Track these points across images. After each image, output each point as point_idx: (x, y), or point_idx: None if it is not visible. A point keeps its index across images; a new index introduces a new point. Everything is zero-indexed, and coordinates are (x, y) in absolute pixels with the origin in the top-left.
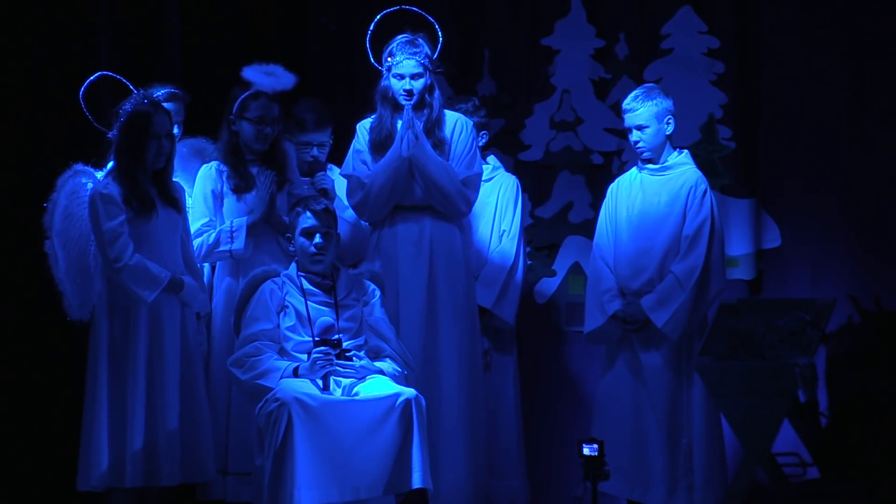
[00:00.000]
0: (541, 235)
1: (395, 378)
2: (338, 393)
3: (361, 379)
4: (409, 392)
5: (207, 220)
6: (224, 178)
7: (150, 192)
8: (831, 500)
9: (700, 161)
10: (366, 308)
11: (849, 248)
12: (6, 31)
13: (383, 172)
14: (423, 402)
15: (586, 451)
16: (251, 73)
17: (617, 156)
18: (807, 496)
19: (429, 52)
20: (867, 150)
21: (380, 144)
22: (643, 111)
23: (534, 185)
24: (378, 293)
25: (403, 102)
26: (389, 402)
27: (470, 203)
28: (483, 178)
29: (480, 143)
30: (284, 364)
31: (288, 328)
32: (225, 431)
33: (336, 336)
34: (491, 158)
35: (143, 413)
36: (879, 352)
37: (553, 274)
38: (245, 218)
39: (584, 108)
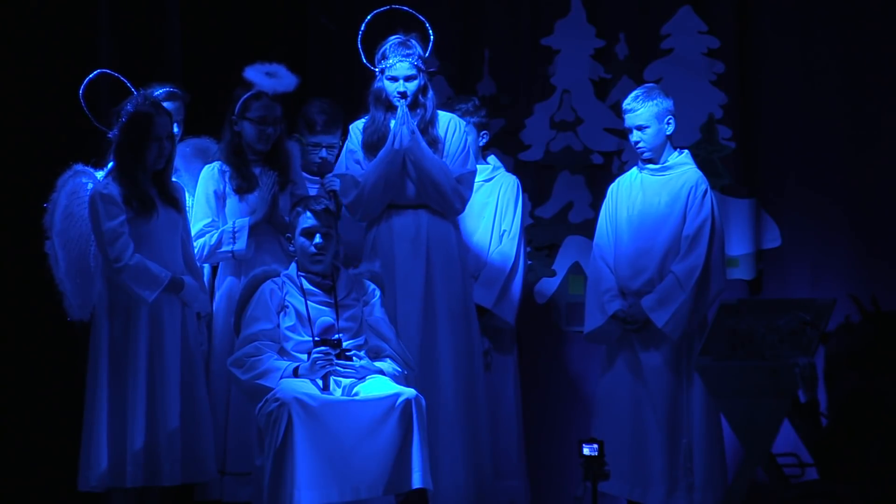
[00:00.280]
0: (541, 235)
1: (395, 378)
2: (338, 393)
3: (361, 379)
4: (409, 392)
5: (210, 220)
6: (226, 179)
7: (151, 193)
8: (830, 500)
9: (700, 161)
10: (366, 308)
11: (849, 248)
12: (6, 31)
13: (376, 168)
14: (423, 401)
15: (586, 451)
16: (253, 73)
17: (617, 156)
18: (806, 496)
19: (421, 52)
20: (867, 150)
21: (373, 145)
22: (643, 111)
23: (534, 185)
24: (378, 293)
25: (397, 103)
26: (389, 402)
27: (464, 200)
28: (483, 178)
29: (481, 143)
30: (284, 364)
31: (288, 328)
32: (223, 432)
33: (336, 336)
34: (491, 158)
35: (143, 413)
36: (878, 352)
37: (553, 274)
38: (247, 218)
39: (584, 108)
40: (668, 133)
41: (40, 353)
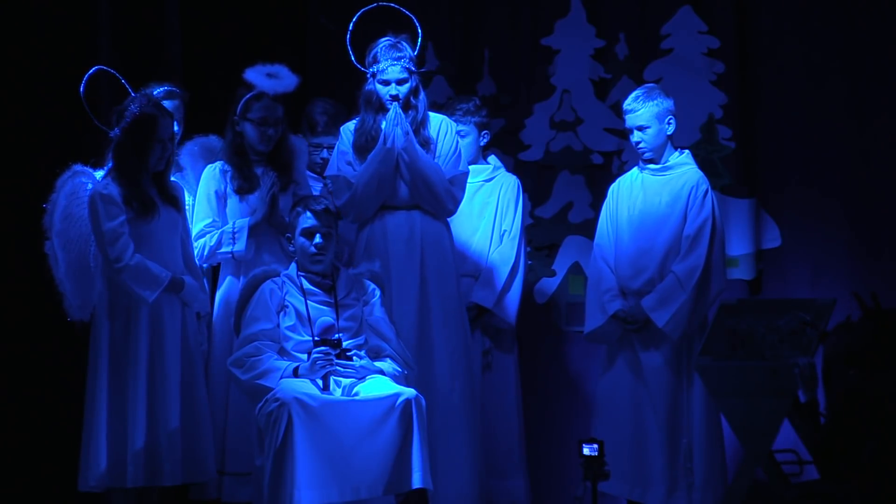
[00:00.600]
0: (541, 235)
1: (396, 378)
2: (338, 393)
3: (361, 379)
4: (409, 392)
5: (210, 220)
6: (228, 179)
7: (151, 194)
8: (830, 500)
9: (700, 161)
10: (366, 308)
11: (849, 248)
12: (6, 30)
13: (368, 169)
14: (423, 401)
15: (586, 451)
16: (253, 74)
17: (617, 156)
18: (806, 496)
19: (412, 53)
20: (867, 150)
21: (363, 147)
22: (644, 112)
23: (534, 185)
24: (378, 293)
25: (390, 106)
26: (389, 402)
27: (457, 201)
28: (484, 178)
29: (482, 143)
30: (284, 364)
31: (288, 328)
32: (222, 432)
33: (336, 336)
34: (491, 158)
35: (143, 413)
36: (877, 350)
37: (553, 274)
38: (247, 219)
39: (583, 108)
40: (668, 133)
41: (40, 353)
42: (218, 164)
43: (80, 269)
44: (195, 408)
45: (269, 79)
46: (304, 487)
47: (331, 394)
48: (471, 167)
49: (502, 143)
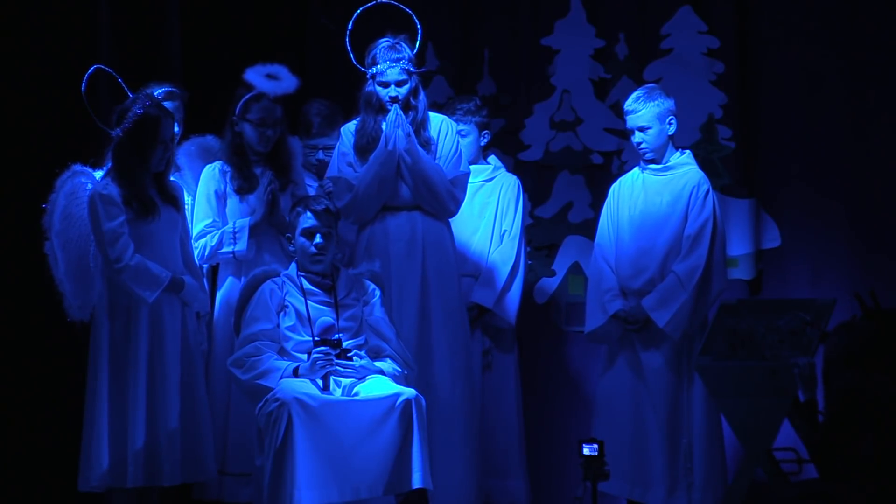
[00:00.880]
0: (540, 235)
1: (396, 378)
2: (338, 393)
3: (361, 379)
4: (409, 392)
5: (210, 220)
6: (227, 179)
7: (151, 194)
8: (830, 499)
9: (700, 161)
10: (366, 308)
11: (849, 248)
12: (6, 30)
13: (370, 171)
14: (423, 402)
15: (586, 451)
16: (253, 75)
17: (617, 156)
18: (805, 495)
19: (411, 54)
20: (867, 150)
21: (363, 148)
22: (645, 112)
23: (533, 185)
24: (378, 293)
25: (390, 107)
26: (389, 402)
27: (458, 202)
28: (484, 178)
29: (482, 143)
30: (284, 364)
31: (288, 328)
32: (223, 432)
33: (336, 336)
34: (492, 158)
35: (143, 413)
36: (877, 349)
37: (553, 274)
38: (247, 219)
39: (583, 108)
40: (669, 133)
41: (40, 353)
42: (217, 164)
43: (80, 270)
44: (195, 408)
45: (269, 80)
46: (304, 487)
47: (331, 394)
48: (471, 167)
49: (502, 143)
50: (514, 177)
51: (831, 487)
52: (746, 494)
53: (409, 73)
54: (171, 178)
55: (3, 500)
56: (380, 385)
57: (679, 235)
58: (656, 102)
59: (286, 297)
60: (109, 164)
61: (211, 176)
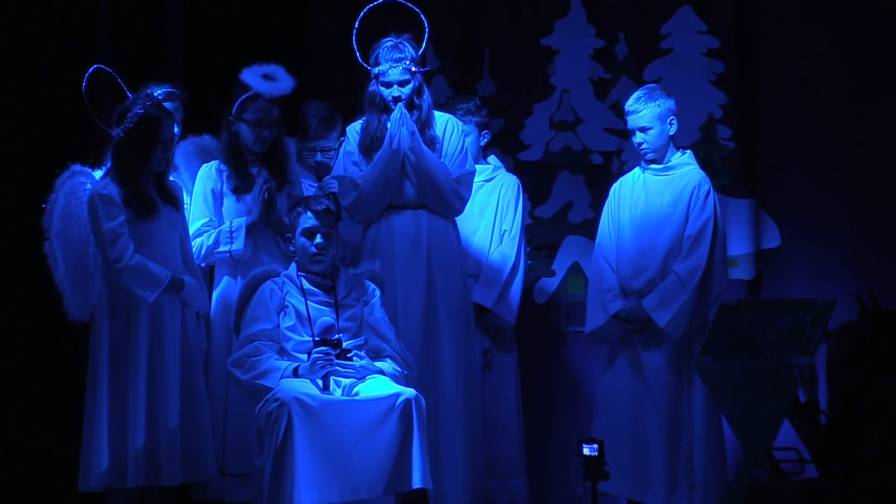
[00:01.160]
0: (540, 235)
1: (395, 378)
2: (338, 393)
3: (361, 379)
4: (409, 392)
5: (207, 220)
6: (224, 178)
7: (151, 194)
8: (830, 499)
9: (700, 161)
10: (366, 308)
11: (849, 248)
12: (5, 30)
13: (375, 170)
14: (423, 401)
15: (586, 451)
16: (249, 75)
17: (617, 156)
18: (805, 495)
19: (414, 53)
20: (867, 149)
21: (369, 147)
22: (646, 112)
23: (533, 185)
24: (378, 293)
25: (394, 106)
26: (389, 402)
27: (464, 201)
28: (484, 178)
29: (482, 143)
30: (284, 364)
31: (288, 328)
32: (222, 432)
33: (336, 336)
34: (491, 158)
35: (143, 413)
36: (877, 350)
37: (552, 274)
38: (244, 218)
39: (583, 108)
40: (670, 133)
41: (40, 353)
42: (214, 164)
43: (80, 270)
44: (195, 407)
45: (266, 81)
46: (304, 487)
47: (331, 394)
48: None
49: (502, 143)
50: (514, 177)
51: (833, 487)
52: (746, 494)
53: (412, 73)
54: (171, 178)
55: (3, 500)
56: (380, 385)
57: (680, 235)
58: (657, 103)
59: (286, 298)
60: (109, 164)
61: (207, 175)
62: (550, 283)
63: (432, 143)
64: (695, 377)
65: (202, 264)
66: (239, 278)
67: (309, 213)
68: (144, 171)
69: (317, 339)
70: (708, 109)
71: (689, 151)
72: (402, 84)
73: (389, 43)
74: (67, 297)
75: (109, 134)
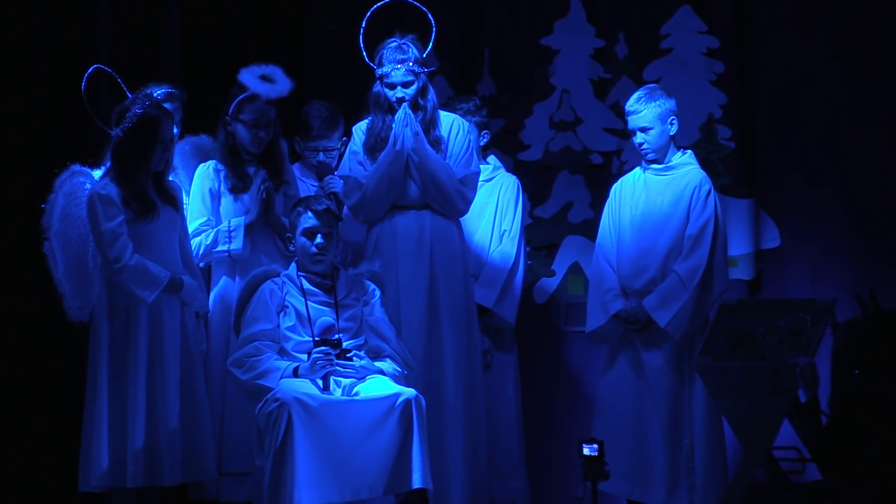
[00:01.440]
0: (540, 235)
1: (396, 378)
2: (338, 393)
3: (361, 379)
4: (409, 392)
5: (205, 219)
6: (221, 178)
7: (151, 194)
8: (832, 500)
9: (700, 161)
10: (366, 308)
11: (849, 248)
12: (6, 30)
13: (379, 170)
14: (423, 402)
15: (586, 451)
16: (247, 76)
17: (616, 156)
18: (808, 496)
19: (418, 54)
20: (867, 149)
21: (373, 148)
22: (647, 112)
23: (533, 185)
24: (378, 293)
25: (398, 107)
26: (389, 402)
27: (468, 201)
28: (484, 178)
29: (482, 143)
30: (284, 364)
31: (288, 328)
32: (220, 432)
33: (336, 336)
34: (491, 158)
35: (143, 413)
36: (877, 350)
37: (552, 274)
38: (243, 218)
39: (583, 108)
40: (671, 133)
41: (40, 353)
42: (211, 163)
43: (79, 270)
44: (195, 407)
45: (264, 82)
46: (304, 487)
47: (331, 394)
48: None
49: (502, 143)
50: (514, 177)
51: (834, 488)
52: (746, 494)
53: (416, 74)
54: (170, 178)
55: (3, 500)
56: (380, 385)
57: (680, 235)
58: (658, 103)
59: (286, 298)
60: (108, 164)
61: (205, 174)
62: (550, 283)
63: (437, 143)
64: (695, 377)
65: (201, 264)
66: (237, 278)
67: (309, 213)
68: (144, 171)
69: (317, 339)
70: (708, 109)
71: (689, 151)
72: (405, 85)
73: (393, 44)
74: (67, 298)
75: (109, 134)
